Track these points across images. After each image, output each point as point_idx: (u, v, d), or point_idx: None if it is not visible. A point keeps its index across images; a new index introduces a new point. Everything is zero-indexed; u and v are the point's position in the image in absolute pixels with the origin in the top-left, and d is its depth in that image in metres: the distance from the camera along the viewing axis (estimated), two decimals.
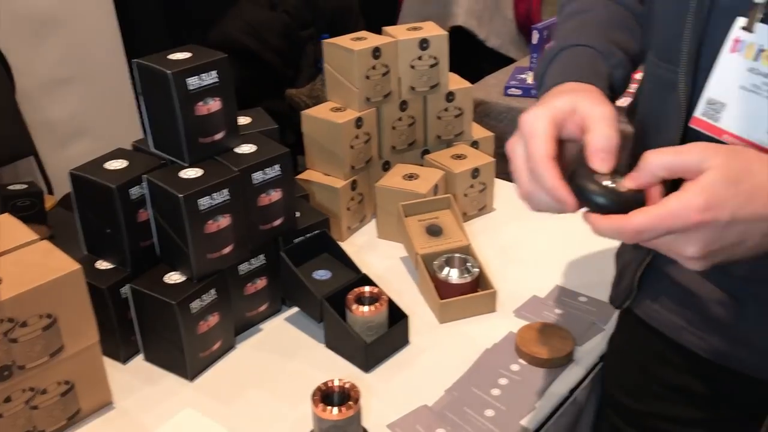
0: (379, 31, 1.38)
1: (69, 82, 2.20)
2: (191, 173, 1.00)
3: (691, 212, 0.57)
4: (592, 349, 1.07)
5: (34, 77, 2.12)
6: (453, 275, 1.14)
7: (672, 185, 0.61)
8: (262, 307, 1.14)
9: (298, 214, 1.15)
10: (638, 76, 0.85)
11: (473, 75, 1.49)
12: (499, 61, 2.75)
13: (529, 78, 2.18)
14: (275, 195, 1.07)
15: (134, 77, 1.04)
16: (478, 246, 1.30)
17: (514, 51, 2.85)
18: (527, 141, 0.67)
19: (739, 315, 0.77)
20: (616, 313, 1.03)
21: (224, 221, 1.01)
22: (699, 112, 0.71)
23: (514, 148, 0.69)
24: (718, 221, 0.57)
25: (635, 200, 0.62)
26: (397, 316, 1.08)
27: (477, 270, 1.16)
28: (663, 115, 0.76)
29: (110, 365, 1.06)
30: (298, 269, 1.10)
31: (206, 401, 1.01)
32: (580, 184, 0.64)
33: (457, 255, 1.18)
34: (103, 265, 1.06)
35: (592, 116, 0.66)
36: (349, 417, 0.88)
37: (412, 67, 1.35)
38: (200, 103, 1.00)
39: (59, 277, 0.88)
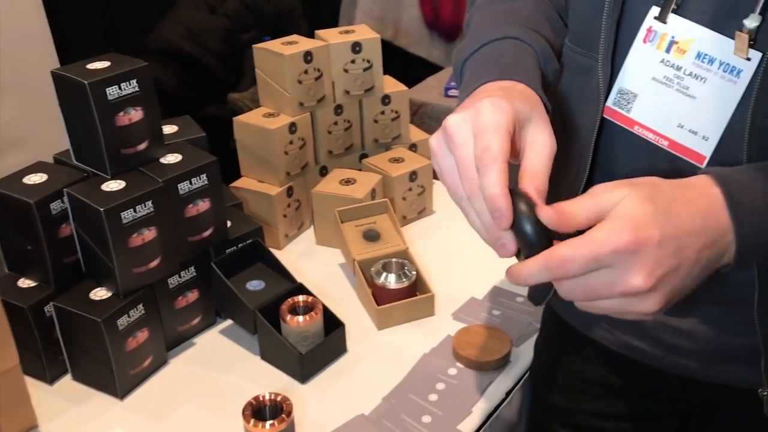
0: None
1: None
2: (113, 186, 0.97)
3: (619, 236, 0.53)
4: (529, 350, 1.06)
5: None
6: (390, 280, 1.13)
7: None
8: (195, 321, 1.11)
9: (229, 223, 1.12)
10: None
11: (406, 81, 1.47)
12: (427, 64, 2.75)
13: None
14: (203, 205, 1.05)
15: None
16: (417, 249, 1.29)
17: (424, 49, 2.82)
18: (481, 131, 0.58)
19: None
20: None
21: (150, 234, 0.98)
22: (611, 101, 0.71)
23: (441, 144, 0.61)
24: (650, 240, 0.53)
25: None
26: (334, 325, 1.06)
27: (414, 274, 1.15)
28: (580, 103, 0.75)
29: (36, 386, 1.02)
30: (231, 280, 1.07)
31: (137, 420, 0.98)
32: (519, 210, 0.58)
33: (394, 260, 1.17)
34: (25, 283, 1.02)
35: (537, 143, 0.61)
36: (282, 431, 0.87)
37: (346, 70, 1.33)
38: (121, 114, 0.97)
39: None
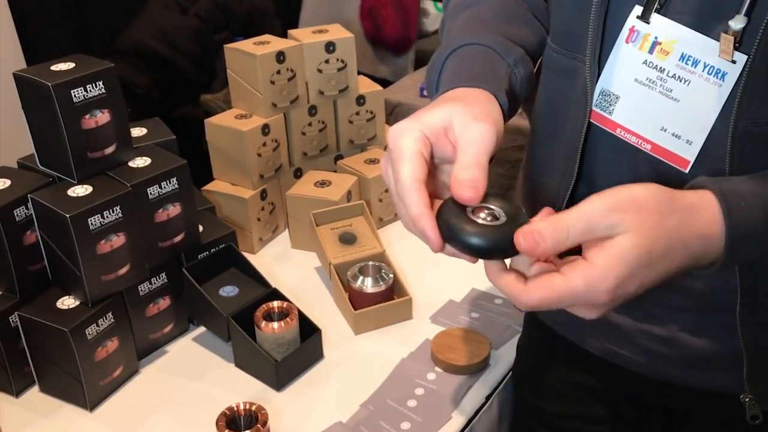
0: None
1: None
2: (80, 191, 0.94)
3: (600, 294, 0.52)
4: (508, 353, 1.05)
5: None
6: (367, 284, 1.11)
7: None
8: (167, 328, 1.08)
9: (201, 228, 1.10)
10: None
11: None
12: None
13: None
14: (174, 210, 1.02)
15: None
16: (394, 252, 1.28)
17: (368, 65, 2.73)
18: (393, 162, 0.58)
19: (626, 317, 0.76)
20: None
21: (118, 240, 0.95)
22: (593, 103, 0.69)
23: (386, 169, 0.60)
24: (626, 293, 0.53)
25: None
26: (310, 331, 1.04)
27: (391, 277, 1.13)
28: (565, 106, 0.72)
29: (1, 399, 0.99)
30: (204, 286, 1.05)
31: (107, 431, 0.95)
32: (448, 221, 0.55)
33: (371, 263, 1.15)
34: None
35: (461, 139, 0.58)
36: None
37: (320, 71, 1.31)
38: (87, 116, 0.94)
39: None
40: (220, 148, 1.28)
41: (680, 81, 0.63)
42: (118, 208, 0.94)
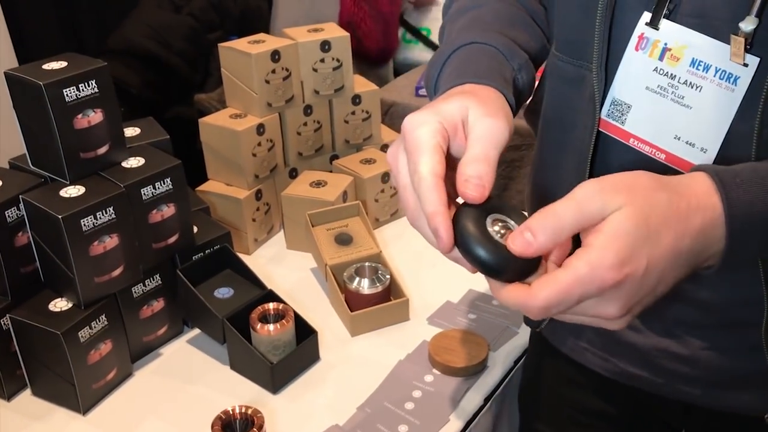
0: None
1: None
2: (72, 191, 0.93)
3: (605, 272, 0.48)
4: (506, 355, 1.04)
5: None
6: (363, 285, 1.10)
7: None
8: (161, 331, 1.07)
9: (195, 229, 1.08)
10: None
11: None
12: None
13: None
14: (168, 210, 1.01)
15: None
16: (390, 253, 1.27)
17: None
18: (410, 153, 0.56)
19: (642, 335, 0.74)
20: None
21: (111, 242, 0.94)
22: (604, 112, 0.67)
23: (397, 159, 0.58)
24: (636, 273, 0.49)
25: (527, 260, 0.51)
26: (306, 332, 1.03)
27: (388, 278, 1.12)
28: (572, 115, 0.70)
29: None
30: (198, 288, 1.03)
31: None
32: (466, 231, 0.53)
33: (367, 264, 1.14)
34: None
35: (472, 133, 0.56)
36: None
37: (315, 70, 1.30)
38: (79, 116, 0.93)
39: None
40: (215, 148, 1.27)
41: (692, 87, 0.61)
42: (111, 208, 0.93)
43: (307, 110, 1.33)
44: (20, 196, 0.93)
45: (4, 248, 0.93)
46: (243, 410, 0.86)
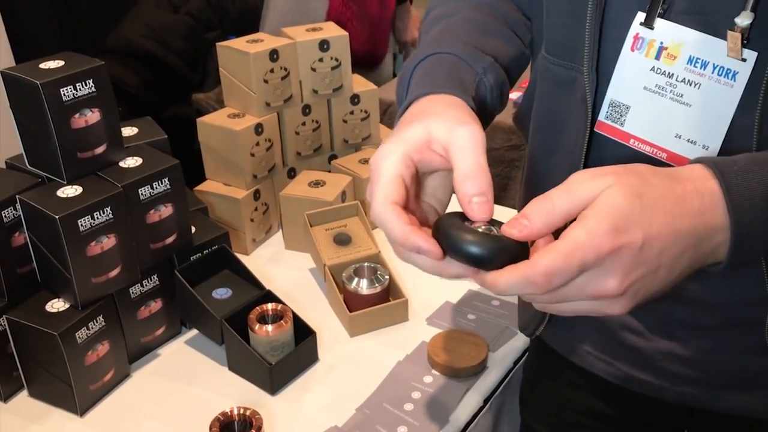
0: None
1: None
2: (69, 191, 0.92)
3: (602, 238, 0.49)
4: (506, 355, 1.04)
5: None
6: (362, 286, 1.10)
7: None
8: (159, 331, 1.06)
9: (193, 229, 1.08)
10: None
11: None
12: None
13: None
14: (166, 210, 1.00)
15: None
16: (389, 253, 1.26)
17: None
18: (371, 186, 0.57)
19: (645, 338, 0.74)
20: None
21: (109, 242, 0.93)
22: (602, 115, 0.66)
23: (369, 195, 0.59)
24: (632, 244, 0.49)
25: (520, 246, 0.52)
26: (305, 333, 1.03)
27: (387, 279, 1.11)
28: (564, 118, 0.70)
29: None
30: (196, 288, 1.03)
31: None
32: (449, 233, 0.53)
33: (366, 264, 1.13)
34: None
35: (453, 146, 0.56)
36: None
37: (314, 69, 1.29)
38: (76, 116, 0.92)
39: None
40: (213, 148, 1.27)
41: (690, 85, 0.61)
42: (108, 209, 0.92)
43: (306, 110, 1.32)
44: (17, 196, 0.92)
45: (0, 249, 0.93)
46: (241, 411, 0.86)
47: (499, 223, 0.55)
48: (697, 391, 0.73)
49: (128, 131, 1.07)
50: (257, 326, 0.98)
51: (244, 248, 1.27)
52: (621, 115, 0.66)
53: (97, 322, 0.95)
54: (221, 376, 1.02)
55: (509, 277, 0.51)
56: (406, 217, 0.55)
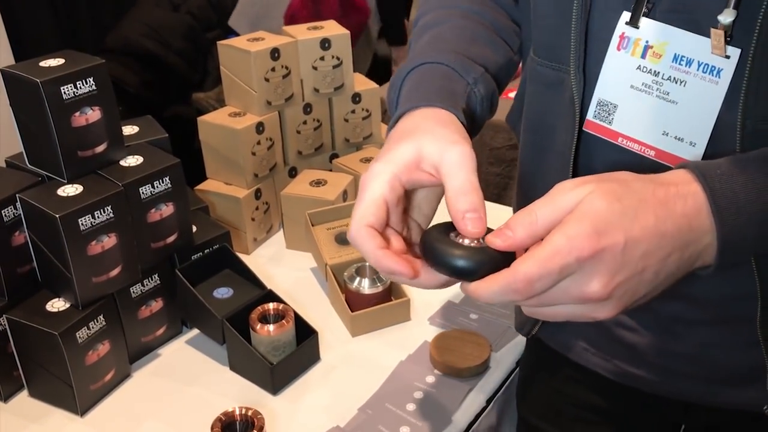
0: None
1: None
2: (70, 190, 0.92)
3: (582, 242, 0.49)
4: (508, 355, 1.04)
5: None
6: (364, 285, 1.09)
7: None
8: (160, 331, 1.06)
9: (194, 228, 1.07)
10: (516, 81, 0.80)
11: None
12: None
13: None
14: (166, 210, 1.00)
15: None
16: None
17: None
18: (355, 205, 0.58)
19: (639, 334, 0.74)
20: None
21: (109, 241, 0.93)
22: (591, 114, 0.67)
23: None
24: (614, 246, 0.49)
25: (504, 256, 0.52)
26: (306, 333, 1.02)
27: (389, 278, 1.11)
28: (553, 119, 0.71)
29: None
30: (197, 288, 1.02)
31: None
32: (434, 246, 0.54)
33: (368, 263, 1.13)
34: None
35: (444, 165, 0.56)
36: None
37: (315, 68, 1.29)
38: (77, 114, 0.92)
39: None
40: (214, 147, 1.26)
41: (676, 83, 0.62)
42: (109, 208, 0.92)
43: (307, 109, 1.32)
44: (17, 195, 0.92)
45: (0, 248, 0.92)
46: (243, 411, 0.85)
47: (488, 232, 0.55)
48: (692, 386, 0.73)
49: (129, 130, 1.07)
50: (258, 326, 0.97)
51: (245, 248, 1.27)
52: (609, 114, 0.66)
53: (97, 321, 0.95)
54: (222, 376, 1.02)
55: (490, 286, 0.51)
56: (380, 239, 0.55)
